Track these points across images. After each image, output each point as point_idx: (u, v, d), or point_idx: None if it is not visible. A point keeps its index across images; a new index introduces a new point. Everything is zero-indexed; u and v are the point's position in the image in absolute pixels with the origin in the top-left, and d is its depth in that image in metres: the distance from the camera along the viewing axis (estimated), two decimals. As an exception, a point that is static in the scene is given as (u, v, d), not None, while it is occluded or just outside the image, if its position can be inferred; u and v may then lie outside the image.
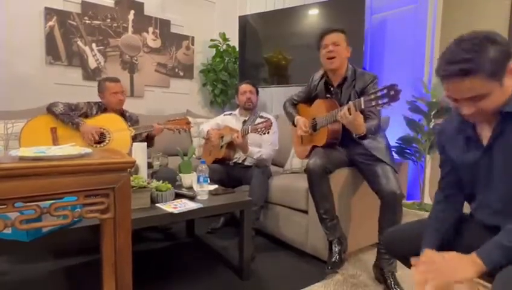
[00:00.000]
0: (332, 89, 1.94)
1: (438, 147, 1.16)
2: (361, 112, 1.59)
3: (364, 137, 1.68)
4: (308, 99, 2.09)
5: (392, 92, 1.38)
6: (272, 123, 2.10)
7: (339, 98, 1.89)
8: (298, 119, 2.06)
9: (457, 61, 0.87)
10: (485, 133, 0.98)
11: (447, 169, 1.13)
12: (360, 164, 1.85)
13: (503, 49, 0.86)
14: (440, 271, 0.88)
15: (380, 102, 1.42)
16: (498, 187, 0.96)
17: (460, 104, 0.92)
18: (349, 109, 1.55)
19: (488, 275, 0.85)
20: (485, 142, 0.98)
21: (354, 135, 1.66)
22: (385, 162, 1.75)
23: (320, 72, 2.01)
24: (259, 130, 2.09)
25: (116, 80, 2.41)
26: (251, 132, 2.15)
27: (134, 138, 2.27)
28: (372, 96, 1.45)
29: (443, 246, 1.05)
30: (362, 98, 1.50)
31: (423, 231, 1.10)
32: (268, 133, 2.11)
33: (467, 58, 0.85)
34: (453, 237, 1.08)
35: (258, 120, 2.44)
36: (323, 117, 1.84)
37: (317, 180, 1.75)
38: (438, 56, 0.96)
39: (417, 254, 1.08)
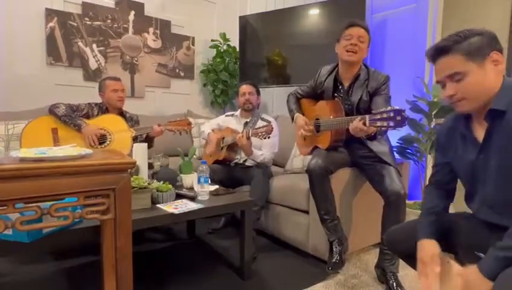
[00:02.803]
0: (341, 88, 1.88)
1: (437, 148, 1.18)
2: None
3: (374, 137, 1.65)
4: (313, 94, 2.02)
5: (398, 118, 1.34)
6: (272, 128, 2.06)
7: (348, 97, 1.83)
8: (297, 117, 2.00)
9: (438, 44, 0.98)
10: (480, 133, 0.99)
11: (441, 164, 1.16)
12: (363, 165, 1.84)
13: (488, 41, 0.93)
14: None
15: (385, 123, 1.38)
16: (495, 184, 0.96)
17: (446, 86, 0.98)
18: (364, 124, 1.48)
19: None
20: (480, 140, 0.98)
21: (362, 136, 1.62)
22: (389, 163, 1.74)
23: (329, 68, 1.93)
24: (259, 134, 2.07)
25: (116, 78, 2.42)
26: (252, 135, 2.14)
27: (135, 139, 2.27)
28: (378, 116, 1.41)
29: (440, 236, 1.06)
30: (367, 116, 1.46)
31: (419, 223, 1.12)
32: (269, 137, 2.10)
33: (446, 40, 0.96)
34: (458, 237, 1.08)
35: (259, 123, 2.44)
36: (328, 121, 1.79)
37: (318, 180, 1.75)
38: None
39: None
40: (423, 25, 2.76)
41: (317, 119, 1.94)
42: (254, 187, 2.16)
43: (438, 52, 0.97)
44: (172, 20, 3.50)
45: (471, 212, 1.09)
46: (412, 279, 1.73)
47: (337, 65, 1.91)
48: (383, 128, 1.42)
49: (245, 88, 2.54)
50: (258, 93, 2.58)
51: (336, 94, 1.91)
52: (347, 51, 1.76)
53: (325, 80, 1.92)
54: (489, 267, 0.84)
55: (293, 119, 2.08)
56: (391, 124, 1.36)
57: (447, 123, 1.13)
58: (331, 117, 1.79)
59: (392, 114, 1.36)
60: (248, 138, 2.18)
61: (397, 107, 1.36)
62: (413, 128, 2.64)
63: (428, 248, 1.03)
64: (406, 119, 1.34)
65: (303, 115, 2.05)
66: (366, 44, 1.77)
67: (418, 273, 1.04)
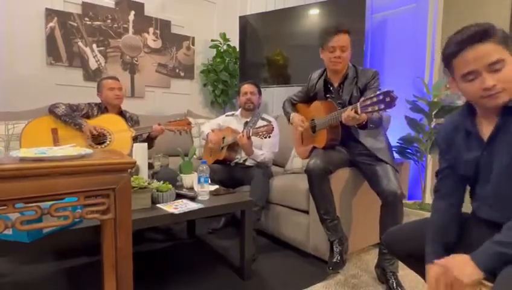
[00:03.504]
0: (332, 88, 1.92)
1: (438, 148, 1.15)
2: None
3: (365, 126, 1.64)
4: (307, 99, 2.07)
5: (387, 99, 1.37)
6: (273, 127, 2.08)
7: (340, 95, 1.87)
8: (293, 116, 2.04)
9: (470, 31, 0.89)
10: (486, 129, 0.98)
11: (446, 172, 1.11)
12: (361, 165, 1.85)
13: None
14: (450, 270, 0.87)
15: (376, 107, 1.42)
16: (497, 181, 0.95)
17: (482, 76, 0.89)
18: (355, 112, 1.51)
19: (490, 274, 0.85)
20: (485, 138, 0.97)
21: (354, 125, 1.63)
22: (386, 161, 1.74)
23: (319, 72, 1.99)
24: (260, 133, 2.08)
25: (113, 77, 2.43)
26: (252, 135, 2.14)
27: (135, 139, 2.27)
28: (368, 102, 1.44)
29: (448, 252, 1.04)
30: (358, 103, 1.49)
31: (424, 231, 1.09)
32: (269, 137, 2.10)
33: (478, 27, 0.89)
34: (457, 236, 1.07)
35: (260, 122, 2.44)
36: (323, 119, 1.83)
37: (317, 180, 1.75)
38: (441, 51, 0.98)
39: (418, 253, 1.08)
40: (423, 25, 2.76)
41: (313, 119, 1.96)
42: (254, 187, 2.16)
43: (477, 37, 0.88)
44: (172, 20, 3.50)
45: (471, 211, 1.09)
46: (412, 279, 1.73)
47: (325, 69, 1.96)
48: (374, 112, 1.44)
49: (247, 87, 2.54)
50: (260, 93, 2.58)
51: (327, 95, 1.95)
52: (331, 61, 1.82)
53: (316, 83, 1.98)
54: (484, 259, 0.84)
55: (289, 120, 2.10)
56: (381, 106, 1.39)
57: (448, 124, 1.11)
58: (326, 115, 1.81)
59: (381, 97, 1.39)
60: (249, 138, 2.18)
61: (385, 90, 1.38)
62: (413, 128, 2.64)
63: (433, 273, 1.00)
64: (396, 99, 1.36)
65: None
66: (348, 50, 1.81)
67: None
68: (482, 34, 0.88)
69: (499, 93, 0.88)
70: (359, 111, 1.49)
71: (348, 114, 1.54)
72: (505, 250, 0.82)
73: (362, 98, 1.49)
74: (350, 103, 1.81)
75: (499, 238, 0.85)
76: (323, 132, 1.86)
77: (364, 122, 1.60)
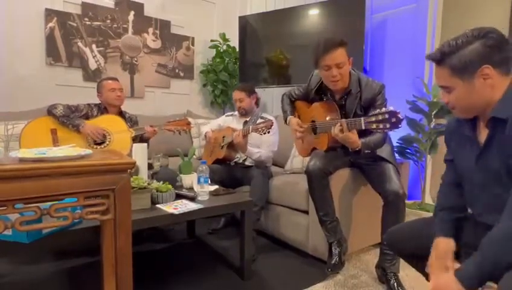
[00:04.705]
0: (332, 99, 1.84)
1: (445, 140, 1.18)
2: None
3: (359, 152, 1.62)
4: (307, 98, 2.01)
5: (393, 119, 1.34)
6: (272, 123, 2.09)
7: (343, 110, 1.78)
8: (290, 119, 1.99)
9: (432, 53, 0.98)
10: (483, 135, 0.99)
11: (450, 164, 1.16)
12: (362, 166, 1.85)
13: (484, 52, 0.90)
14: None
15: (381, 126, 1.38)
16: (495, 191, 0.96)
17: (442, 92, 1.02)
18: (341, 129, 1.52)
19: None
20: (482, 144, 0.99)
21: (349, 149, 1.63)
22: (388, 161, 1.74)
23: (317, 78, 1.86)
24: (259, 129, 2.08)
25: (113, 78, 2.42)
26: (252, 131, 2.15)
27: (134, 139, 2.27)
28: (373, 119, 1.40)
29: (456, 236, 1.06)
30: (363, 119, 1.45)
31: (425, 230, 1.11)
32: (268, 132, 2.10)
33: (443, 49, 0.95)
34: (459, 237, 1.08)
35: (260, 121, 2.44)
36: (324, 123, 1.78)
37: (317, 182, 1.74)
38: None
39: (420, 252, 1.08)
40: (423, 25, 2.76)
41: (313, 121, 1.94)
42: (254, 187, 2.16)
43: (432, 60, 0.99)
44: (172, 20, 3.50)
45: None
46: (412, 279, 1.73)
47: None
48: (378, 130, 1.42)
49: (236, 94, 2.54)
50: (251, 93, 2.53)
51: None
52: (330, 81, 1.69)
53: (314, 89, 1.89)
54: (470, 277, 0.85)
55: (285, 120, 2.07)
56: (386, 125, 1.37)
57: (453, 122, 1.13)
58: (327, 118, 1.76)
59: (387, 116, 1.36)
60: (244, 136, 2.20)
61: (392, 109, 1.36)
62: (413, 129, 2.64)
63: (443, 245, 1.03)
64: (401, 121, 1.35)
65: (298, 117, 2.04)
66: (346, 64, 1.65)
67: (429, 268, 1.03)
68: (434, 59, 0.97)
69: (452, 109, 1.03)
70: (363, 126, 1.44)
71: (336, 133, 1.54)
72: (486, 269, 0.83)
73: (363, 118, 1.45)
74: None
75: (480, 256, 0.86)
76: (325, 135, 1.82)
77: (358, 149, 1.58)
